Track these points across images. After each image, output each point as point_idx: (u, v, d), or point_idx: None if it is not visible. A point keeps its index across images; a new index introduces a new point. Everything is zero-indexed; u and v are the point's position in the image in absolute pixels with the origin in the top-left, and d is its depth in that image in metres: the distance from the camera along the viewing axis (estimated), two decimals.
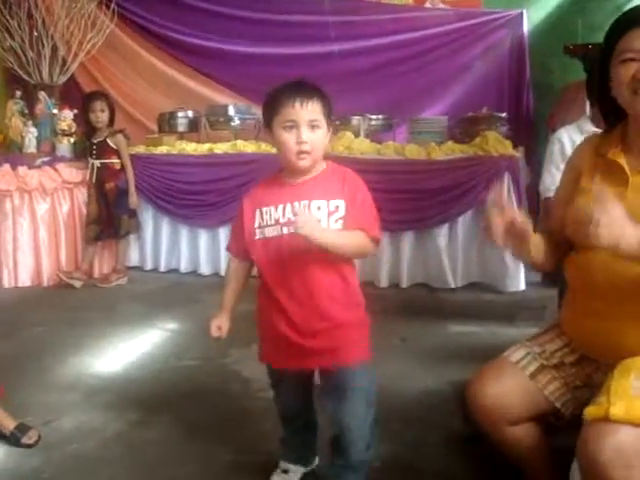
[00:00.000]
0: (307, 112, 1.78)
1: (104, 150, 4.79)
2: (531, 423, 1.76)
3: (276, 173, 1.95)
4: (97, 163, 4.78)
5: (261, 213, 1.88)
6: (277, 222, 1.84)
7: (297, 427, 2.10)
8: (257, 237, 1.88)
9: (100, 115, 4.75)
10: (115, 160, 4.80)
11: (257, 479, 2.11)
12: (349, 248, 1.82)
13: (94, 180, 4.80)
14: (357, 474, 1.94)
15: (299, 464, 2.12)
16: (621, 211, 1.37)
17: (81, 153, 5.10)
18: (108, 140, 4.78)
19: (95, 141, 4.80)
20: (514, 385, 1.72)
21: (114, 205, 4.82)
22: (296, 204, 1.83)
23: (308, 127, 1.79)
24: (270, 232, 1.86)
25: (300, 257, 1.80)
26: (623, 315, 1.56)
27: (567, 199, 1.72)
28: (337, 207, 1.82)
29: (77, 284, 4.71)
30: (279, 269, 1.85)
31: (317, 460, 2.16)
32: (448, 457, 2.23)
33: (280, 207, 1.85)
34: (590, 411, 1.42)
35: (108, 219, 4.84)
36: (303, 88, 1.81)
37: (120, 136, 4.83)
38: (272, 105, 1.82)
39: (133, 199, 4.83)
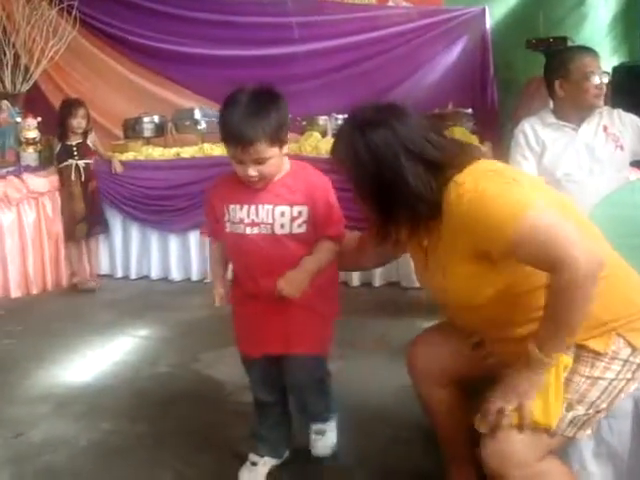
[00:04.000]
0: (250, 154, 1.75)
1: (85, 151, 4.88)
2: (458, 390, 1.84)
3: None
4: (82, 163, 4.83)
5: (228, 209, 1.92)
6: (241, 221, 1.90)
7: (271, 420, 2.15)
8: (228, 230, 1.94)
9: (82, 122, 4.83)
10: (92, 160, 4.93)
11: None
12: (326, 265, 1.92)
13: (82, 179, 4.83)
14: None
15: (270, 456, 2.16)
16: None
17: (47, 161, 5.05)
18: (88, 141, 4.89)
19: (74, 143, 4.83)
20: (456, 348, 1.79)
21: (99, 203, 4.97)
22: (260, 207, 1.88)
23: (254, 164, 1.78)
24: (236, 229, 1.92)
25: (264, 256, 1.89)
26: None
27: None
28: (300, 213, 1.89)
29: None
30: (246, 261, 1.96)
31: (288, 453, 2.20)
32: (424, 455, 2.22)
33: (245, 207, 1.89)
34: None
35: (97, 216, 4.95)
36: (244, 130, 1.71)
37: (92, 135, 4.99)
38: (222, 135, 1.81)
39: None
